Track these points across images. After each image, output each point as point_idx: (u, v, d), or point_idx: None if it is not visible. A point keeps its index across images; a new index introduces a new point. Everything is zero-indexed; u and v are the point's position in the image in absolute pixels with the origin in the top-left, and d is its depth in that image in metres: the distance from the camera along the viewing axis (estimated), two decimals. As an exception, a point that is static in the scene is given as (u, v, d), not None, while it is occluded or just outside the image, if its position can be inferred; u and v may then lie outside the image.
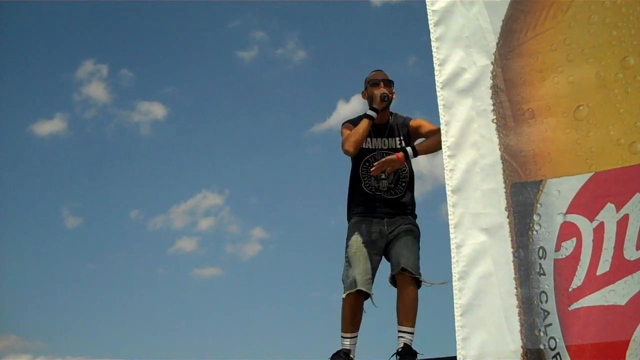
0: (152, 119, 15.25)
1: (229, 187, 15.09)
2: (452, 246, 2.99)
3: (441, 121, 3.17)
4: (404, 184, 4.40)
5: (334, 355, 4.13)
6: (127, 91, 15.54)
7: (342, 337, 4.24)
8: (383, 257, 4.35)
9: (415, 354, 3.98)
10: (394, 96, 4.48)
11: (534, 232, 2.86)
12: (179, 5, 15.35)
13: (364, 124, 4.32)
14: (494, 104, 3.07)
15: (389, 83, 4.42)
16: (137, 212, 15.03)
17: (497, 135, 3.03)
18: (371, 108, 4.34)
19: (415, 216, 4.44)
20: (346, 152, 4.37)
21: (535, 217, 2.88)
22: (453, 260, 2.98)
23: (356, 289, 4.15)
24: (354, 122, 4.42)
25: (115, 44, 15.98)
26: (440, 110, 3.18)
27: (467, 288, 2.92)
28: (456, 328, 2.89)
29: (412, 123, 4.42)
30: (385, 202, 4.34)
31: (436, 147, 4.16)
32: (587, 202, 2.79)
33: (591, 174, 2.80)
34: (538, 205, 2.88)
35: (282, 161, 15.29)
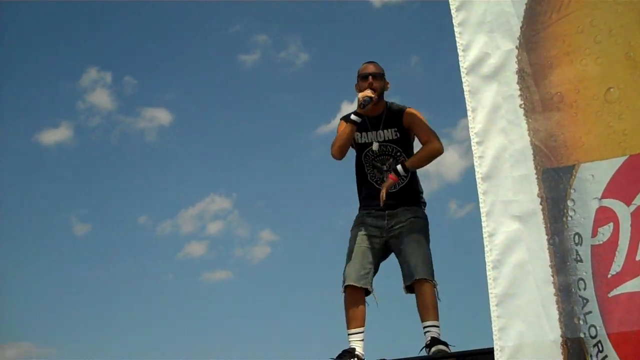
0: (158, 125, 15.23)
1: (237, 190, 15.07)
2: (485, 235, 2.93)
3: (467, 108, 3.11)
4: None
5: (338, 355, 4.10)
6: (132, 98, 15.52)
7: (347, 334, 4.21)
8: (390, 252, 4.33)
9: (446, 344, 3.94)
10: (387, 86, 4.47)
11: (569, 218, 2.80)
12: (180, 10, 15.32)
13: (347, 128, 4.33)
14: (520, 89, 3.00)
15: (378, 76, 4.38)
16: (145, 217, 15.03)
17: (525, 121, 2.96)
18: (354, 112, 4.29)
19: (421, 204, 4.38)
20: (333, 157, 4.41)
21: (569, 203, 2.81)
22: (486, 249, 2.91)
23: (346, 284, 4.18)
24: (346, 119, 4.40)
25: (118, 51, 15.97)
26: (466, 97, 3.11)
27: (501, 277, 2.86)
28: (492, 318, 2.83)
29: (406, 117, 4.40)
30: (388, 195, 4.29)
31: (426, 161, 4.25)
32: (622, 186, 2.73)
33: (625, 157, 2.74)
34: (571, 191, 2.82)
35: (288, 163, 15.27)
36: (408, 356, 3.92)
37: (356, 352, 4.11)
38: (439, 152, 4.33)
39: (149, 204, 15.40)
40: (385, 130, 4.40)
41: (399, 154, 4.38)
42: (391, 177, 4.24)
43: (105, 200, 15.48)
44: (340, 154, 4.40)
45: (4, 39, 14.53)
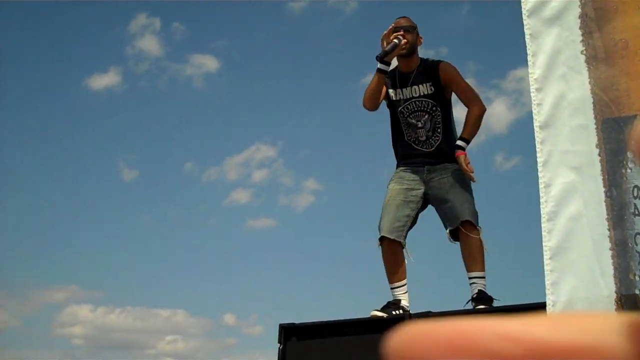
0: (205, 72, 15.27)
1: (282, 139, 15.09)
2: (541, 185, 2.85)
3: (528, 52, 3.00)
4: (439, 131, 4.27)
5: (383, 307, 4.07)
6: (180, 44, 15.58)
7: (390, 288, 4.19)
8: (428, 203, 4.27)
9: (491, 299, 3.90)
10: (420, 41, 4.41)
11: (628, 170, 2.71)
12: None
13: (374, 78, 4.28)
14: (582, 34, 2.88)
15: (410, 29, 4.31)
16: (191, 164, 15.18)
17: (586, 68, 2.85)
18: (382, 61, 4.22)
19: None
20: (365, 108, 4.40)
21: (629, 154, 2.71)
22: (542, 200, 2.84)
23: (380, 235, 4.14)
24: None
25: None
26: (527, 40, 3.00)
27: (556, 230, 2.79)
28: (545, 272, 2.77)
29: (442, 72, 4.33)
30: (425, 154, 4.27)
31: (479, 126, 4.29)
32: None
33: (691, 107, 2.63)
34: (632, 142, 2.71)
35: (334, 113, 15.25)
36: (455, 309, 3.88)
37: (401, 304, 4.09)
38: (484, 112, 4.34)
39: (195, 150, 15.56)
40: (420, 85, 4.32)
41: (434, 109, 4.29)
42: (459, 154, 4.18)
43: (153, 146, 15.68)
44: (370, 104, 4.39)
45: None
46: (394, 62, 4.36)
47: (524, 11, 3.02)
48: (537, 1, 3.00)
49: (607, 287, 2.65)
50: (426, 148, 4.28)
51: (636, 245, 2.63)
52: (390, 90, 4.40)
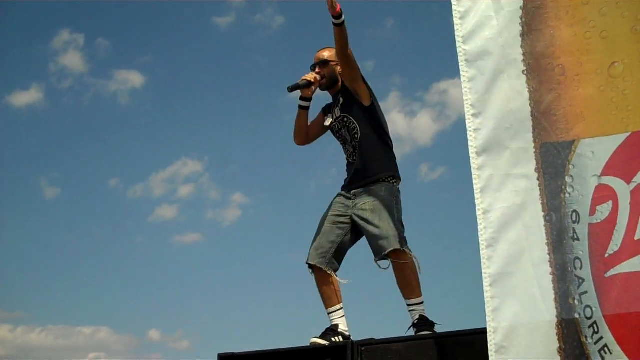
0: (130, 88, 15.11)
1: (208, 153, 15.03)
2: (479, 212, 2.85)
3: (463, 79, 3.00)
4: (356, 138, 4.28)
5: (322, 334, 4.05)
6: (104, 60, 15.35)
7: (327, 313, 4.20)
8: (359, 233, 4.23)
9: (432, 324, 3.87)
10: (338, 69, 4.35)
11: (567, 195, 2.73)
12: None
13: (297, 114, 4.41)
14: (524, 54, 2.90)
15: (326, 62, 4.36)
16: (116, 180, 14.96)
17: (527, 89, 2.86)
18: (302, 98, 4.35)
19: (387, 176, 4.23)
20: (298, 145, 4.53)
21: (568, 179, 2.73)
22: (480, 227, 2.83)
23: (306, 261, 4.19)
24: (323, 110, 4.53)
25: (90, 13, 15.72)
26: (461, 68, 3.00)
27: (496, 256, 2.78)
28: (485, 299, 2.76)
29: (342, 77, 4.36)
30: (354, 170, 4.28)
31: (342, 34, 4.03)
32: (623, 164, 2.65)
33: (628, 134, 2.66)
34: (570, 167, 2.74)
35: (260, 127, 15.23)
36: (397, 336, 3.83)
37: (339, 329, 4.05)
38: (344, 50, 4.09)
39: (120, 167, 15.35)
40: (335, 108, 4.40)
41: (348, 121, 4.29)
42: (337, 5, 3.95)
43: (77, 163, 15.40)
44: (297, 140, 4.49)
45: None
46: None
47: (458, 38, 3.03)
48: (475, 25, 3.01)
49: (549, 312, 2.65)
50: (353, 160, 4.27)
51: (575, 269, 2.65)
52: (326, 117, 4.44)
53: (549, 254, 2.70)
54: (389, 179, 4.20)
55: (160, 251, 14.65)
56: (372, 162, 4.24)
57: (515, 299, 2.72)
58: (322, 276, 4.16)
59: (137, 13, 15.82)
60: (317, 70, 4.33)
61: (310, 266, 4.18)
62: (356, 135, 4.26)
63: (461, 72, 3.00)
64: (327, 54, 4.37)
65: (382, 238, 3.98)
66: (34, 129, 15.46)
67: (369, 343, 3.72)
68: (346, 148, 4.35)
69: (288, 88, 4.25)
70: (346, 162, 4.38)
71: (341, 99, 4.34)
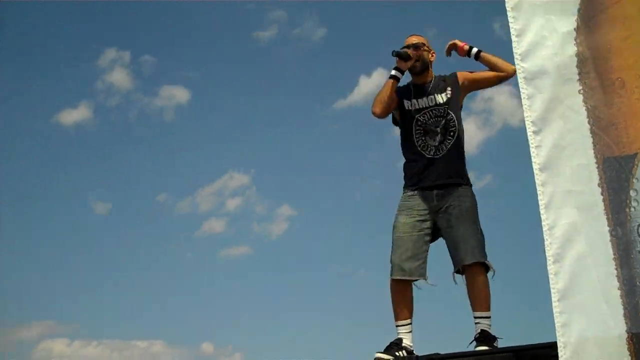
0: (175, 103, 15.32)
1: (255, 166, 15.15)
2: (544, 227, 2.85)
3: (523, 95, 3.01)
4: (452, 134, 4.30)
5: (386, 348, 4.04)
6: (150, 77, 15.59)
7: (395, 325, 4.18)
8: (439, 234, 4.24)
9: (494, 338, 3.88)
10: (433, 56, 4.49)
11: (632, 209, 2.71)
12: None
13: (387, 83, 4.34)
14: (579, 73, 2.90)
15: (419, 45, 4.42)
16: (164, 195, 15.15)
17: (584, 107, 2.87)
18: (396, 69, 4.35)
19: (469, 183, 4.29)
20: (373, 113, 4.39)
21: (632, 193, 2.72)
22: (546, 242, 2.84)
23: (397, 275, 4.14)
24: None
25: (135, 30, 15.99)
26: (520, 84, 3.02)
27: (563, 271, 2.79)
28: (554, 313, 2.76)
29: (460, 76, 4.41)
30: (435, 166, 4.24)
31: (497, 64, 4.27)
32: (688, 175, 2.64)
33: (691, 145, 2.65)
34: (634, 180, 2.73)
35: (306, 139, 15.31)
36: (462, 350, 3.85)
37: (403, 344, 4.06)
38: (511, 69, 4.12)
39: (168, 182, 15.55)
40: (436, 95, 4.37)
41: (449, 115, 4.31)
42: (461, 44, 4.38)
43: (125, 179, 15.65)
44: (380, 109, 4.37)
45: (24, 19, 14.61)
46: (406, 78, 4.48)
47: (516, 55, 3.04)
48: (530, 43, 3.02)
49: (618, 327, 2.64)
50: (437, 153, 4.26)
51: (644, 283, 2.64)
52: (405, 101, 4.41)
53: (616, 269, 2.69)
54: (470, 184, 4.25)
55: (209, 265, 14.80)
56: (459, 163, 4.28)
57: (583, 315, 2.72)
58: (402, 288, 4.15)
59: (181, 29, 16.07)
60: (410, 50, 4.36)
61: (396, 280, 4.14)
62: (452, 132, 4.28)
63: (521, 90, 3.01)
64: (418, 40, 4.45)
65: (462, 250, 4.02)
66: (84, 146, 15.76)
67: (434, 358, 3.74)
68: (425, 139, 4.32)
69: (393, 51, 4.31)
70: (414, 154, 4.35)
71: (449, 93, 4.36)
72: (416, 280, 4.13)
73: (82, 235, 15.14)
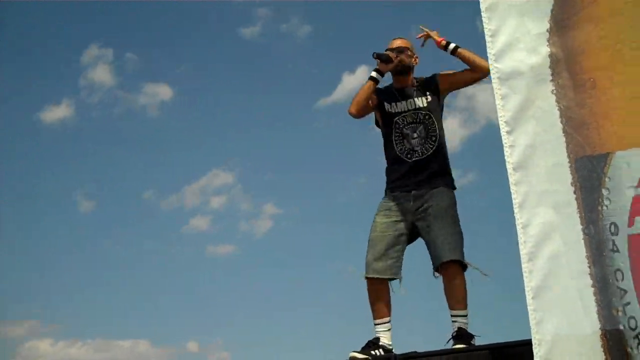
0: (159, 101, 15.29)
1: (239, 164, 15.14)
2: (518, 227, 2.89)
3: (496, 95, 3.04)
4: (433, 139, 4.31)
5: (363, 347, 4.08)
6: (133, 74, 15.53)
7: (373, 324, 4.21)
8: (417, 236, 4.27)
9: (471, 336, 3.91)
10: (415, 61, 4.54)
11: (604, 208, 2.75)
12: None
13: (366, 84, 4.38)
14: (552, 74, 2.93)
15: (403, 50, 4.47)
16: (149, 193, 15.09)
17: (557, 107, 2.90)
18: (376, 71, 4.38)
19: (449, 183, 4.33)
20: (349, 113, 4.43)
21: (604, 192, 2.76)
22: (520, 240, 2.87)
23: (370, 274, 4.18)
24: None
25: (118, 27, 15.92)
26: (494, 84, 3.05)
27: (536, 270, 2.82)
28: (529, 312, 2.80)
29: (441, 78, 4.45)
30: (415, 168, 4.27)
31: (474, 60, 4.27)
32: (659, 174, 2.68)
33: (662, 145, 2.69)
34: (606, 179, 2.77)
35: (290, 136, 15.35)
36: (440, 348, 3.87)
37: (381, 343, 4.09)
38: (486, 67, 3.91)
39: (153, 179, 15.49)
40: (416, 99, 4.41)
41: (430, 120, 4.35)
42: (439, 39, 4.43)
43: (109, 177, 15.59)
44: (357, 110, 4.43)
45: (4, 17, 14.47)
46: (388, 80, 4.52)
47: (490, 56, 3.07)
48: (504, 44, 3.05)
49: (592, 324, 2.68)
50: (416, 157, 4.30)
51: (617, 281, 2.67)
52: (385, 104, 4.46)
53: (589, 267, 2.73)
54: (453, 187, 4.29)
55: (195, 262, 14.78)
56: (441, 167, 4.32)
57: (557, 312, 2.76)
58: (379, 287, 4.18)
59: (165, 26, 16.02)
60: (392, 54, 4.41)
61: (369, 278, 4.17)
62: (433, 136, 4.31)
63: (494, 90, 3.04)
64: (402, 43, 4.53)
65: (440, 247, 4.05)
66: (67, 143, 15.67)
67: (411, 356, 3.76)
68: (404, 143, 4.36)
69: (374, 53, 4.34)
70: (394, 159, 4.40)
71: (429, 97, 4.40)
72: (390, 279, 4.16)
73: (67, 234, 15.06)
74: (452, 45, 4.36)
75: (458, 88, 4.54)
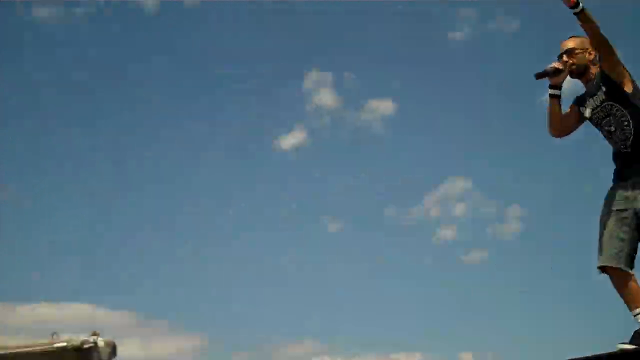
0: (382, 115, 15.53)
1: (473, 170, 14.95)
2: None
3: None
4: (627, 126, 4.20)
5: (631, 338, 3.99)
6: (354, 93, 15.95)
7: (632, 315, 4.09)
8: None
9: None
10: (591, 57, 4.35)
11: None
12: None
13: (549, 104, 4.37)
14: None
15: (570, 52, 4.35)
16: (392, 208, 15.38)
17: None
18: (551, 87, 4.35)
19: None
20: (552, 136, 4.47)
21: None
22: None
23: (597, 265, 4.14)
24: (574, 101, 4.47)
25: (331, 51, 16.25)
26: None
27: None
28: None
29: (606, 67, 4.24)
30: (625, 160, 4.23)
31: (594, 30, 4.06)
32: None
33: None
34: None
35: (520, 136, 14.86)
36: None
37: None
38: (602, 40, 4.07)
39: (392, 194, 15.66)
40: (595, 95, 4.30)
41: (613, 109, 4.23)
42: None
43: (351, 196, 15.97)
44: (552, 130, 4.45)
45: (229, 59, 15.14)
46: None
47: None
48: None
49: None
50: (624, 149, 4.20)
51: None
52: (581, 108, 4.41)
53: None
54: None
55: (449, 270, 14.79)
56: None
57: None
58: (620, 276, 4.10)
59: (373, 42, 16.22)
60: (564, 58, 4.34)
61: (603, 269, 4.14)
62: (626, 123, 4.19)
63: None
64: (571, 43, 4.39)
65: None
66: (304, 167, 16.37)
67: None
68: (613, 137, 4.28)
69: (535, 75, 4.34)
70: (614, 152, 4.32)
71: (603, 87, 4.26)
72: (622, 268, 4.08)
73: (317, 253, 15.89)
74: (580, 6, 4.01)
75: (612, 65, 4.23)
